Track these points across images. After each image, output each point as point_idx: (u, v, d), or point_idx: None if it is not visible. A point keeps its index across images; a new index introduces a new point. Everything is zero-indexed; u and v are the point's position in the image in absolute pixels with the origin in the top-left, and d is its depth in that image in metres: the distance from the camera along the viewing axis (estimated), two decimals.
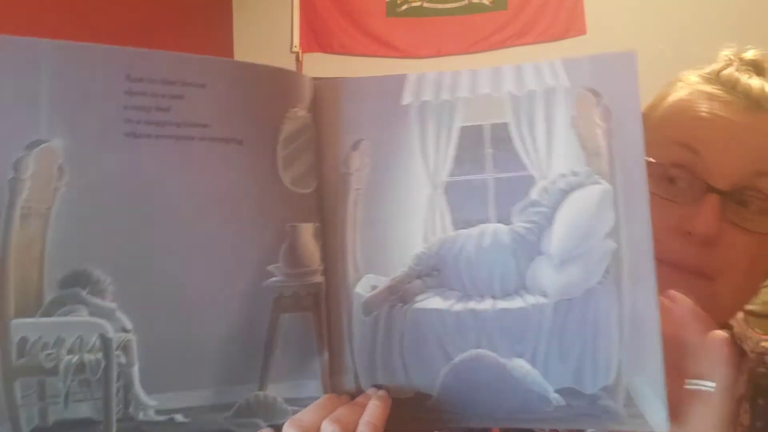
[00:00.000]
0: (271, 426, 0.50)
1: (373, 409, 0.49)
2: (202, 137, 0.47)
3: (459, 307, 0.51)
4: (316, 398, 0.51)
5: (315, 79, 0.53)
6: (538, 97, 0.51)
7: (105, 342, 0.46)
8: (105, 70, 0.44)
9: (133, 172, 0.46)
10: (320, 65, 3.44)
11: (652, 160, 0.58)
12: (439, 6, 3.44)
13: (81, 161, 0.44)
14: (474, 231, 0.52)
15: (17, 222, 0.43)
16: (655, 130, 0.60)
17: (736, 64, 0.62)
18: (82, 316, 0.45)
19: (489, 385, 0.51)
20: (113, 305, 0.46)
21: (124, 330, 0.46)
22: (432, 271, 0.52)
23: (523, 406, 0.51)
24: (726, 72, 0.61)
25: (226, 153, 0.48)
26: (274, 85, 0.50)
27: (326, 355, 0.52)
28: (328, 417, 0.49)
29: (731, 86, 0.60)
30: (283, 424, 0.51)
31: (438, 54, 3.43)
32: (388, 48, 3.44)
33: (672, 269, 0.58)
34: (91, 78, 0.44)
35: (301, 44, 3.48)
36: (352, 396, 0.52)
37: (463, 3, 3.42)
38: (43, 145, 0.43)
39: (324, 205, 0.53)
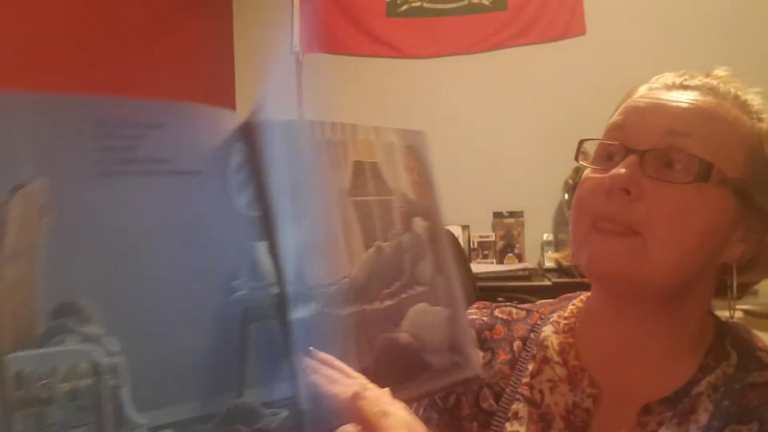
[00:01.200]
0: (252, 429, 0.55)
1: None
2: (164, 171, 0.53)
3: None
4: (290, 398, 0.57)
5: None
6: None
7: (95, 367, 0.49)
8: (77, 116, 0.49)
9: (107, 207, 0.50)
10: (320, 65, 3.37)
11: (596, 139, 0.69)
12: (439, 6, 3.40)
13: (60, 200, 0.48)
14: None
15: (6, 263, 0.46)
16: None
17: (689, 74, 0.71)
18: (73, 344, 0.48)
19: None
20: (101, 330, 0.49)
21: (113, 353, 0.50)
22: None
23: None
24: (671, 74, 0.71)
25: (187, 184, 0.54)
26: (219, 123, 0.57)
27: (294, 357, 0.58)
28: None
29: (665, 80, 0.70)
30: (262, 427, 0.55)
31: (438, 54, 3.39)
32: (388, 48, 3.38)
33: (607, 227, 0.64)
34: (65, 124, 0.49)
35: (301, 44, 3.39)
36: None
37: (463, 3, 3.38)
38: (25, 188, 0.47)
39: (270, 227, 0.59)
